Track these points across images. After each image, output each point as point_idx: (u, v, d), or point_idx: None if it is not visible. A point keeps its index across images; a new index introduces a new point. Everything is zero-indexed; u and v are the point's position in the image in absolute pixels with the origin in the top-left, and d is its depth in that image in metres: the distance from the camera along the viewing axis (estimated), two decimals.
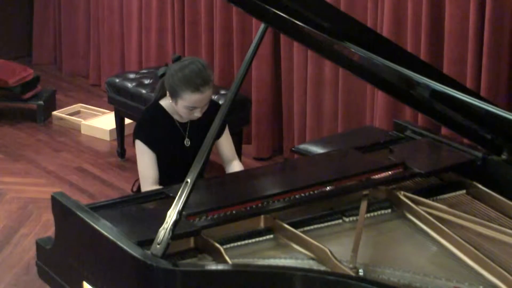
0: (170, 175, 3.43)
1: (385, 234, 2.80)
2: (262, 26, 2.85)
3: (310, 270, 2.44)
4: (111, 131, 5.82)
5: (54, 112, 6.27)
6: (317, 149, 3.45)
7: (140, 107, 5.05)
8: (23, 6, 7.61)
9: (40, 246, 2.93)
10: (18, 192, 4.99)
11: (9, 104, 6.36)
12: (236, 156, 3.68)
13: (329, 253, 2.53)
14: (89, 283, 2.67)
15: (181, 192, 2.55)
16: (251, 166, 4.85)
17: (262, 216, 2.79)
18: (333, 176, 3.02)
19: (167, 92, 3.44)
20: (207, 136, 2.70)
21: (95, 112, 6.32)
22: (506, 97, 4.18)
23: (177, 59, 3.46)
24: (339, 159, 3.27)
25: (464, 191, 3.06)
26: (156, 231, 2.49)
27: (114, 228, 2.58)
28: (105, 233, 2.55)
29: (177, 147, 3.50)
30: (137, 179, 3.56)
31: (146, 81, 5.39)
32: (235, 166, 3.60)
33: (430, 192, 3.04)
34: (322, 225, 2.83)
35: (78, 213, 2.68)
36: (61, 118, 6.20)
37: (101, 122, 6.04)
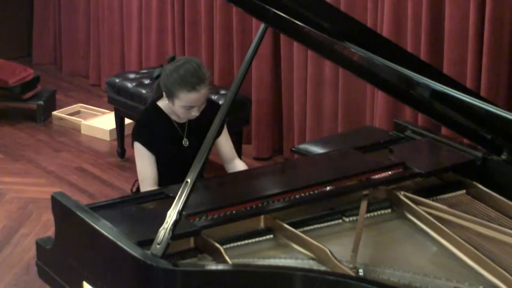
0: (169, 176, 3.43)
1: (385, 234, 2.80)
2: (262, 26, 2.85)
3: (310, 270, 2.44)
4: (111, 131, 5.82)
5: (54, 112, 6.27)
6: (317, 149, 3.45)
7: (140, 107, 5.05)
8: (23, 6, 7.61)
9: (40, 246, 2.93)
10: (18, 192, 4.99)
11: (9, 104, 6.36)
12: (236, 154, 3.68)
13: (329, 253, 2.53)
14: (89, 283, 2.67)
15: (181, 192, 2.55)
16: (251, 166, 4.85)
17: (262, 216, 2.79)
18: (333, 176, 3.02)
19: (164, 94, 3.44)
20: (207, 136, 2.70)
21: (95, 112, 6.32)
22: (506, 97, 4.18)
23: (172, 59, 3.47)
24: (339, 159, 3.27)
25: (464, 191, 3.06)
26: (156, 231, 2.49)
27: (114, 228, 2.58)
28: (105, 233, 2.55)
29: (176, 148, 3.50)
30: (137, 179, 3.56)
31: (146, 81, 5.39)
32: (238, 164, 3.59)
33: (430, 192, 3.04)
34: (322, 225, 2.83)
35: (78, 213, 2.68)
36: (61, 118, 6.20)
37: (101, 122, 6.04)
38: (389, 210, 2.93)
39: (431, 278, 2.48)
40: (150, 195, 2.96)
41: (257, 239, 2.73)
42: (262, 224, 2.79)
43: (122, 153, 5.50)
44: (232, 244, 2.69)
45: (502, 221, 2.84)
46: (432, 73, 2.88)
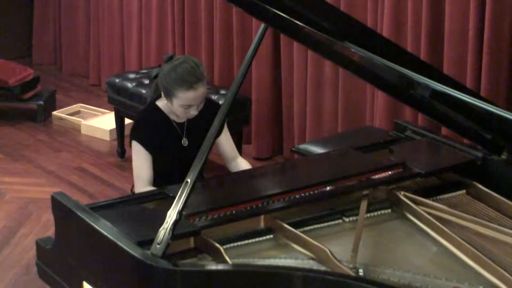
0: (168, 175, 3.43)
1: (385, 234, 2.80)
2: (262, 26, 2.86)
3: (310, 270, 2.44)
4: (111, 131, 5.82)
5: (54, 112, 6.26)
6: (317, 149, 3.45)
7: (140, 107, 5.05)
8: (23, 6, 7.61)
9: (40, 246, 2.93)
10: (18, 192, 4.99)
11: (9, 104, 6.36)
12: (237, 153, 3.68)
13: (329, 253, 2.53)
14: (89, 283, 2.67)
15: (181, 192, 2.55)
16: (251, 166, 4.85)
17: (262, 216, 2.79)
18: (333, 176, 3.02)
19: (162, 93, 3.45)
20: (207, 136, 2.70)
21: (95, 112, 6.32)
22: (506, 97, 4.17)
23: (170, 58, 3.47)
24: (339, 159, 3.27)
25: (464, 191, 3.06)
26: (156, 231, 2.49)
27: (114, 228, 2.58)
28: (105, 233, 2.55)
29: (175, 147, 3.50)
30: None
31: (146, 81, 5.39)
32: (241, 162, 3.59)
33: (430, 192, 3.04)
34: (322, 225, 2.83)
35: (78, 213, 2.68)
36: (61, 118, 6.20)
37: (101, 122, 6.04)
38: (389, 210, 2.93)
39: (431, 278, 2.48)
40: (150, 195, 2.96)
41: (257, 239, 2.73)
42: (262, 224, 2.79)
43: (122, 153, 5.50)
44: (232, 244, 2.68)
45: (502, 221, 2.84)
46: (432, 73, 2.88)
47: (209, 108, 3.48)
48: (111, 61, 6.81)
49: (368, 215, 2.88)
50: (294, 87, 5.23)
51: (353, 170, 3.07)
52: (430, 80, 2.78)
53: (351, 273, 2.46)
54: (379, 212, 2.92)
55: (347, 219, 2.86)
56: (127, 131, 5.37)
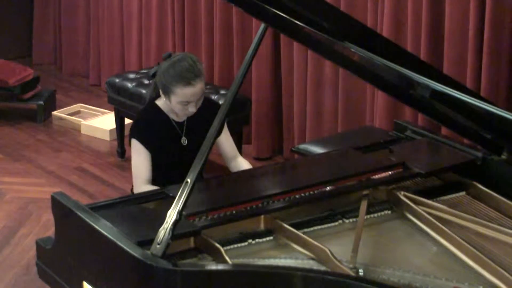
0: (167, 174, 3.43)
1: (385, 234, 2.80)
2: (262, 26, 2.85)
3: (310, 270, 2.44)
4: (111, 131, 5.82)
5: (54, 112, 6.27)
6: (317, 149, 3.45)
7: (140, 107, 5.05)
8: (23, 6, 7.61)
9: (40, 246, 2.93)
10: (18, 192, 4.99)
11: (9, 104, 6.36)
12: (238, 152, 3.68)
13: (329, 253, 2.53)
14: (89, 283, 2.66)
15: (181, 192, 2.55)
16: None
17: (262, 216, 2.79)
18: (333, 176, 3.02)
19: (160, 91, 3.45)
20: (207, 136, 2.70)
21: (95, 112, 6.32)
22: (506, 97, 4.17)
23: (168, 56, 3.47)
24: (339, 159, 3.27)
25: (464, 192, 3.05)
26: (156, 231, 2.49)
27: (114, 228, 2.58)
28: (105, 233, 2.55)
29: (174, 146, 3.51)
30: None
31: (146, 81, 5.39)
32: (242, 162, 3.59)
33: (430, 192, 3.04)
34: (322, 226, 2.83)
35: (78, 213, 2.68)
36: (61, 118, 6.20)
37: (101, 122, 6.04)
38: (389, 211, 2.93)
39: (431, 278, 2.48)
40: (150, 195, 2.96)
41: (257, 239, 2.73)
42: (262, 224, 2.79)
43: (122, 153, 5.50)
44: (232, 244, 2.68)
45: (502, 221, 2.84)
46: (432, 73, 2.88)
47: (208, 108, 3.48)
48: (111, 61, 6.82)
49: (368, 216, 2.87)
50: (294, 87, 5.23)
51: (353, 170, 3.07)
52: (430, 80, 2.78)
53: (351, 273, 2.46)
54: (379, 213, 2.92)
55: (347, 221, 2.86)
56: (127, 131, 5.37)
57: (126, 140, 5.41)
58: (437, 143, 3.37)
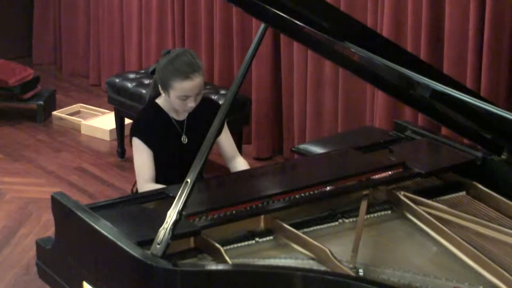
0: (167, 173, 3.43)
1: (385, 234, 2.80)
2: (262, 26, 2.85)
3: (310, 270, 2.44)
4: (111, 131, 5.82)
5: (54, 112, 6.27)
6: (317, 149, 3.45)
7: (140, 107, 5.05)
8: (23, 6, 7.61)
9: (40, 246, 2.93)
10: (18, 192, 4.99)
11: (9, 104, 6.36)
12: (238, 152, 3.68)
13: (329, 253, 2.53)
14: (89, 283, 2.66)
15: (181, 192, 2.55)
16: (251, 166, 4.85)
17: (262, 216, 2.79)
18: (333, 176, 3.02)
19: (159, 87, 3.45)
20: (207, 136, 2.70)
21: (95, 112, 6.32)
22: (506, 97, 4.18)
23: (167, 53, 3.48)
24: (339, 159, 3.27)
25: (464, 191, 3.05)
26: (156, 231, 2.49)
27: (114, 228, 2.58)
28: (105, 233, 2.55)
29: (174, 145, 3.51)
30: None
31: (146, 81, 5.40)
32: (240, 162, 3.59)
33: (430, 192, 3.04)
34: (322, 226, 2.83)
35: (78, 213, 2.68)
36: (61, 118, 6.20)
37: (101, 122, 6.04)
38: (389, 211, 2.93)
39: (431, 278, 2.48)
40: (150, 195, 2.96)
41: (257, 239, 2.73)
42: (262, 224, 2.79)
43: (122, 153, 5.50)
44: (232, 244, 2.68)
45: (502, 221, 2.84)
46: (432, 73, 2.88)
47: (208, 107, 3.48)
48: (111, 61, 6.82)
49: (368, 216, 2.87)
50: (294, 87, 5.23)
51: (353, 170, 3.07)
52: (430, 80, 2.78)
53: (351, 273, 2.46)
54: (379, 213, 2.92)
55: (347, 221, 2.86)
56: (127, 131, 5.37)
57: (126, 140, 5.41)
58: (437, 143, 3.37)
